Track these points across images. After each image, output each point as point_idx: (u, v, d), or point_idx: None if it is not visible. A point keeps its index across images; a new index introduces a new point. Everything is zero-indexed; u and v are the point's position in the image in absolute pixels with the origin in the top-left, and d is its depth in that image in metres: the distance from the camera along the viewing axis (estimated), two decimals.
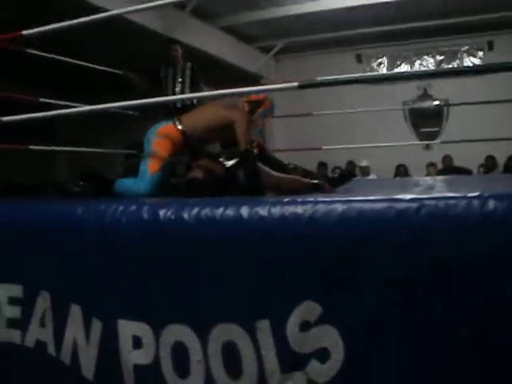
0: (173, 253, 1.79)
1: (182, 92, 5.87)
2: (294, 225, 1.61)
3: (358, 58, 12.24)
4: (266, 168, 3.39)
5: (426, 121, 11.70)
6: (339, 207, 1.57)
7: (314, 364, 1.55)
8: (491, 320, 1.39)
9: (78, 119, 9.15)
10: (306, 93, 10.37)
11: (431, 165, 9.98)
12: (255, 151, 3.40)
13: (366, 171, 10.40)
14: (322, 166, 10.74)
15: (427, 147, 11.03)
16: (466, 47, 11.65)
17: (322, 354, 1.54)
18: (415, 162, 10.17)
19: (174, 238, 1.80)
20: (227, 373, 1.65)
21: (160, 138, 3.36)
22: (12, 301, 2.13)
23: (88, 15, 3.18)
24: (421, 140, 11.46)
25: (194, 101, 5.29)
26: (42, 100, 5.79)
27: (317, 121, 10.21)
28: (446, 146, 9.65)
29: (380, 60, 12.29)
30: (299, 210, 1.62)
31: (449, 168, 9.56)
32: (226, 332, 1.65)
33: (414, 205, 1.50)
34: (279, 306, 1.59)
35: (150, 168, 3.30)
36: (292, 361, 1.58)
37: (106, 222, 1.94)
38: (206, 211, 1.75)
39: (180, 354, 1.73)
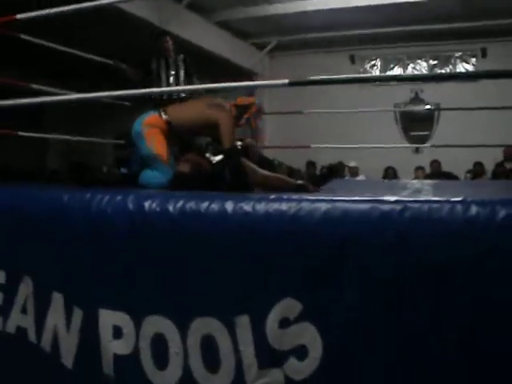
0: (156, 245, 1.79)
1: (176, 85, 5.85)
2: (277, 222, 1.61)
3: (352, 59, 12.24)
4: (251, 165, 3.39)
5: (416, 124, 11.73)
6: (323, 206, 1.58)
7: (291, 361, 1.56)
8: (478, 323, 1.40)
9: (70, 108, 9.13)
10: (300, 92, 10.43)
11: (419, 168, 10.00)
12: (239, 147, 3.40)
13: (354, 172, 10.40)
14: (311, 165, 10.73)
15: (416, 151, 11.05)
16: (460, 53, 11.68)
17: (301, 352, 1.54)
18: (404, 165, 10.18)
19: (157, 230, 1.80)
20: (205, 366, 1.66)
21: (149, 128, 3.37)
22: None
23: (82, 2, 3.16)
24: (411, 143, 11.49)
25: (182, 94, 5.28)
26: (33, 86, 5.76)
27: (308, 120, 10.21)
28: (435, 150, 9.67)
29: (373, 62, 12.31)
30: (283, 207, 1.63)
31: (436, 173, 9.58)
32: (205, 326, 1.66)
33: (398, 206, 1.51)
34: (259, 302, 1.59)
35: (161, 158, 3.33)
36: (270, 357, 1.58)
37: (91, 212, 1.94)
38: (191, 204, 1.76)
39: (159, 345, 1.74)
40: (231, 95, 3.64)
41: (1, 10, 3.70)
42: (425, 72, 11.74)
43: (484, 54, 11.36)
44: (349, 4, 9.85)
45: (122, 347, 1.82)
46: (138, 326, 1.78)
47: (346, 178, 9.67)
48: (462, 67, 11.58)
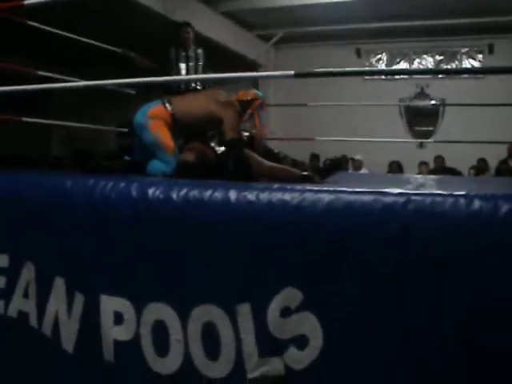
0: (159, 232, 1.80)
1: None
2: (280, 211, 1.62)
3: (358, 53, 12.21)
4: (256, 156, 3.40)
5: (421, 119, 11.71)
6: (326, 197, 1.58)
7: (292, 350, 1.56)
8: (478, 319, 1.40)
9: (75, 95, 9.13)
10: (305, 84, 10.42)
11: (423, 164, 9.99)
12: (244, 138, 3.41)
13: (358, 165, 10.39)
14: (314, 157, 10.73)
15: (421, 146, 11.04)
16: (466, 49, 11.65)
17: (301, 341, 1.55)
18: (408, 160, 10.16)
19: (161, 218, 1.80)
20: (206, 353, 1.67)
21: (154, 120, 3.37)
22: None
23: None
24: (415, 138, 11.48)
25: (195, 85, 5.25)
26: (40, 73, 5.76)
27: (312, 112, 10.21)
28: (439, 145, 9.65)
29: (379, 56, 12.28)
30: (287, 196, 1.63)
31: (440, 168, 9.57)
32: (206, 313, 1.66)
33: (402, 199, 1.51)
34: (261, 290, 1.60)
35: (166, 148, 3.33)
36: (270, 346, 1.59)
37: (94, 198, 1.94)
38: (195, 193, 1.76)
39: (160, 332, 1.74)
40: (237, 87, 3.64)
41: None
42: (431, 67, 11.72)
43: (491, 50, 11.32)
44: None
45: (122, 333, 1.82)
46: (139, 312, 1.79)
47: (350, 171, 9.66)
48: (468, 63, 11.54)
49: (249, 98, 3.58)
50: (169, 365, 1.73)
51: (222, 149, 3.29)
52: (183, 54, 5.80)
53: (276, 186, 1.73)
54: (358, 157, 10.34)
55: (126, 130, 4.92)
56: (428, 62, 11.88)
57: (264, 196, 1.66)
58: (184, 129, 3.49)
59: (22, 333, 2.07)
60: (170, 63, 5.75)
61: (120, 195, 1.89)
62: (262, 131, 3.72)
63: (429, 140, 10.72)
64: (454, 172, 8.92)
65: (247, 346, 1.60)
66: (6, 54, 7.87)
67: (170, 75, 5.26)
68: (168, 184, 1.87)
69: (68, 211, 2.00)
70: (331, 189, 1.64)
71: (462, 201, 1.46)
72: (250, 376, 1.60)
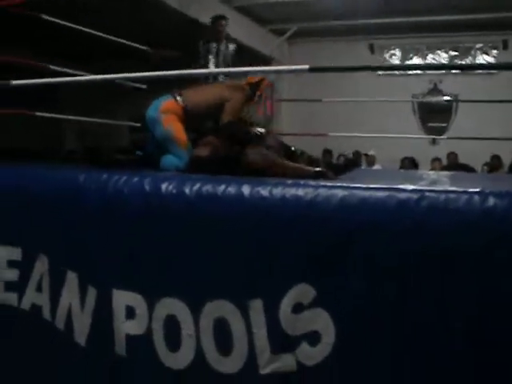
0: (171, 227, 1.80)
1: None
2: (294, 207, 1.61)
3: (371, 48, 12.18)
4: (269, 154, 3.38)
5: (434, 116, 11.68)
6: (340, 193, 1.58)
7: (304, 347, 1.56)
8: (485, 313, 1.40)
9: (86, 89, 9.13)
10: (319, 79, 10.40)
11: (436, 160, 9.96)
12: (259, 133, 3.40)
13: (371, 161, 10.38)
14: (327, 153, 10.72)
15: (433, 142, 11.02)
16: (481, 45, 11.59)
17: (313, 337, 1.55)
18: (421, 156, 10.13)
19: (173, 212, 1.81)
20: (217, 348, 1.67)
21: (166, 114, 3.37)
22: (11, 264, 2.15)
23: None
24: (428, 134, 11.45)
25: (222, 78, 5.17)
26: (53, 68, 5.77)
27: (326, 107, 10.20)
28: (452, 141, 9.63)
29: (392, 51, 12.24)
30: (300, 192, 1.63)
31: (453, 165, 9.54)
32: (218, 308, 1.66)
33: (415, 196, 1.50)
34: (273, 286, 1.60)
35: (179, 142, 3.34)
36: (283, 342, 1.59)
37: (107, 192, 1.95)
38: (208, 187, 1.76)
39: (172, 327, 1.75)
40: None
41: None
42: (444, 63, 11.68)
43: (505, 45, 11.26)
44: None
45: (134, 327, 1.83)
46: (150, 307, 1.79)
47: (363, 167, 9.64)
48: (482, 59, 11.49)
49: (257, 79, 3.60)
50: (181, 359, 1.73)
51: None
52: (214, 47, 5.72)
53: (289, 181, 1.73)
54: (371, 152, 10.33)
55: (138, 124, 4.93)
56: (442, 57, 11.84)
57: (277, 191, 1.65)
58: (197, 120, 3.49)
59: (35, 325, 2.08)
60: (195, 57, 5.66)
61: (133, 190, 1.89)
62: (270, 112, 3.71)
63: (441, 137, 10.69)
64: (467, 168, 8.89)
65: (259, 341, 1.60)
66: (9, 47, 7.89)
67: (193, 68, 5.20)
68: (181, 179, 1.87)
69: (81, 205, 2.01)
70: (345, 185, 1.64)
71: (476, 197, 1.45)
72: (262, 372, 1.60)
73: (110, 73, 3.35)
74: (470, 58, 11.60)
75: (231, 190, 1.72)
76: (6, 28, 7.97)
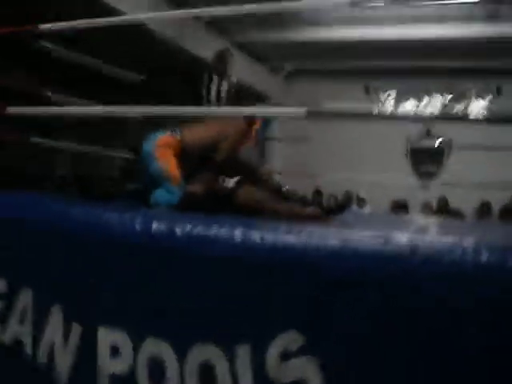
0: (159, 267, 1.78)
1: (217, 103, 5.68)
2: (284, 253, 1.60)
3: (367, 90, 12.29)
4: (262, 194, 3.38)
5: (426, 159, 11.75)
6: (331, 241, 1.57)
7: None
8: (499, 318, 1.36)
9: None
10: (312, 119, 10.45)
11: (427, 204, 9.99)
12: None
13: (362, 203, 10.41)
14: (318, 193, 10.73)
15: (424, 186, 11.07)
16: (475, 89, 11.73)
17: None
18: (412, 199, 10.17)
19: (162, 252, 1.79)
20: None
21: (162, 149, 3.37)
22: None
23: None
24: (419, 178, 11.51)
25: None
26: (51, 95, 5.78)
27: (317, 146, 10.25)
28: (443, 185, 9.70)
29: (388, 93, 12.34)
30: (291, 239, 1.61)
31: (444, 210, 9.57)
32: (204, 352, 1.64)
33: (407, 245, 1.49)
34: (261, 332, 1.57)
35: (172, 178, 3.33)
36: None
37: (96, 228, 1.93)
38: (199, 229, 1.74)
39: (156, 369, 1.72)
40: None
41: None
42: (439, 106, 11.79)
43: (499, 91, 11.43)
44: (365, 36, 9.92)
45: (118, 367, 1.79)
46: (136, 347, 1.76)
47: (354, 208, 9.67)
48: (477, 103, 11.63)
49: (253, 118, 3.61)
50: None
51: (233, 181, 3.27)
52: (217, 81, 5.67)
53: (281, 227, 1.72)
54: (362, 195, 10.38)
55: (131, 156, 4.93)
56: (437, 100, 11.95)
57: (269, 236, 1.64)
58: (193, 156, 3.49)
59: (16, 360, 2.05)
60: (202, 89, 5.59)
61: (123, 227, 1.87)
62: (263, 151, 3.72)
63: (431, 181, 10.76)
64: (457, 214, 8.93)
65: None
66: (15, 72, 7.90)
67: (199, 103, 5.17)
68: (172, 218, 1.86)
69: (68, 239, 1.98)
70: (339, 231, 1.63)
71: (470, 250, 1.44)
72: None
73: (107, 102, 3.35)
74: (465, 101, 11.73)
75: (223, 232, 1.70)
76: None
